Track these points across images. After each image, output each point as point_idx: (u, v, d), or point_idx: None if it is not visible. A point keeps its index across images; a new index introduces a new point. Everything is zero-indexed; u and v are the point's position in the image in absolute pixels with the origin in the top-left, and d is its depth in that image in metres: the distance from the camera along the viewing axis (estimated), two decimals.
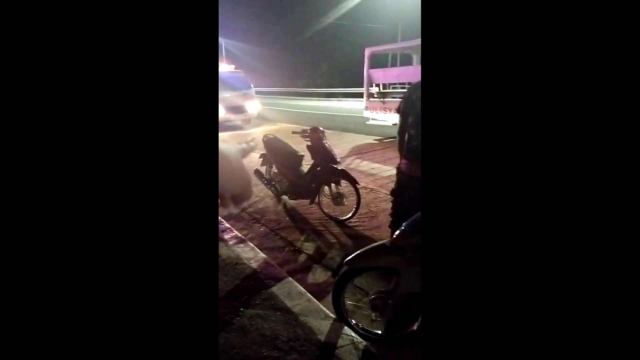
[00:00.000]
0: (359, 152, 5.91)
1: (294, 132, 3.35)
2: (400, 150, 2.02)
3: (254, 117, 9.83)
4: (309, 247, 2.67)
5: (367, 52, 7.51)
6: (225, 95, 8.77)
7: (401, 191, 2.08)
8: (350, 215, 3.04)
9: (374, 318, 1.62)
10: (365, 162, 5.16)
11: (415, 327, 1.59)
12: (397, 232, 1.46)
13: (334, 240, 2.78)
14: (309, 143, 3.14)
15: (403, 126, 1.98)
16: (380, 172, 4.59)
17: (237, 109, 9.14)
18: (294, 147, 3.46)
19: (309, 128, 3.16)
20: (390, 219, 2.20)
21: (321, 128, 3.14)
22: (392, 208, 2.16)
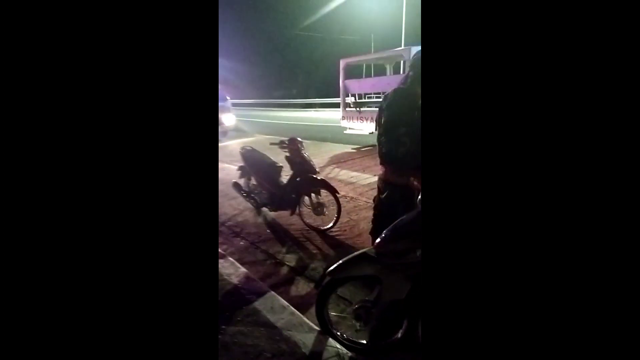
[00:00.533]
0: (338, 161, 5.95)
1: (272, 143, 3.33)
2: (380, 157, 2.05)
3: (230, 129, 9.73)
4: (290, 259, 2.64)
5: (342, 63, 7.64)
6: None
7: (381, 198, 2.10)
8: (331, 224, 3.04)
9: (358, 328, 1.61)
10: (344, 171, 5.20)
11: (399, 335, 1.60)
12: (377, 240, 1.46)
13: (316, 251, 2.76)
14: (288, 154, 3.14)
15: (380, 134, 2.01)
16: (359, 181, 4.63)
17: None
18: (273, 158, 3.45)
19: (287, 139, 3.16)
20: (371, 226, 2.21)
21: (299, 138, 3.15)
22: (374, 215, 2.18)
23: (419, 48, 3.49)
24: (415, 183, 1.82)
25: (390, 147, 1.93)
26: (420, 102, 1.75)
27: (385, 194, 2.05)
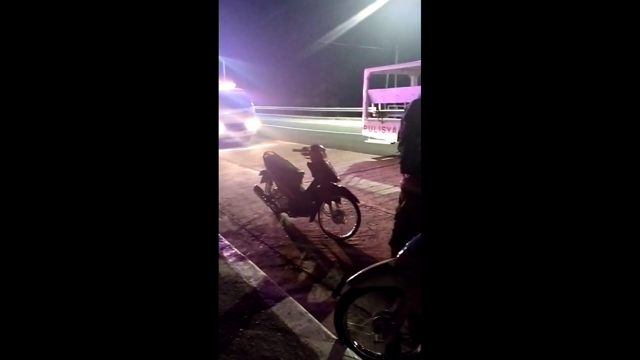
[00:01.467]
0: (358, 170, 5.94)
1: (294, 150, 3.37)
2: (402, 167, 2.05)
3: (253, 134, 9.91)
4: (308, 266, 2.64)
5: (367, 72, 7.67)
6: (225, 113, 8.87)
7: (402, 208, 2.10)
8: (350, 233, 3.03)
9: (376, 339, 1.59)
10: (364, 180, 5.18)
11: (419, 349, 1.56)
12: (400, 252, 1.45)
13: (334, 259, 2.75)
14: (310, 160, 3.16)
15: (399, 144, 2.03)
16: (379, 190, 4.60)
17: (237, 127, 9.23)
18: (294, 164, 3.48)
19: (309, 146, 3.18)
20: (392, 235, 2.21)
21: (322, 146, 3.17)
22: (394, 225, 2.17)
23: None
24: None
25: (408, 157, 1.95)
26: None
27: (403, 204, 2.05)
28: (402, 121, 2.02)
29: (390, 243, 2.23)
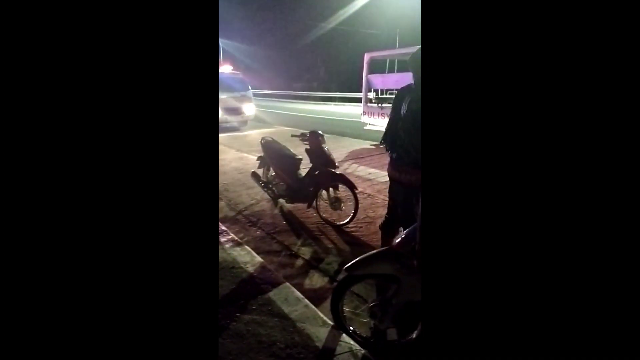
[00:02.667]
0: (356, 157, 5.91)
1: (293, 135, 3.33)
2: (382, 139, 2.15)
3: (250, 119, 9.80)
4: (305, 252, 2.64)
5: (367, 57, 7.54)
6: (222, 97, 8.75)
7: (391, 195, 2.14)
8: (347, 220, 3.03)
9: (372, 326, 1.60)
10: (362, 167, 5.16)
11: (414, 335, 1.58)
12: (397, 240, 1.45)
13: (331, 246, 2.76)
14: (308, 146, 3.13)
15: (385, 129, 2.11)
16: (377, 178, 4.59)
17: (234, 111, 9.12)
18: (292, 150, 3.45)
19: (308, 131, 3.15)
20: (383, 220, 2.25)
21: (320, 132, 3.13)
22: (387, 210, 2.21)
23: None
24: (411, 179, 1.89)
25: (389, 142, 2.01)
26: (413, 97, 1.81)
27: (392, 191, 2.11)
28: (392, 105, 2.09)
29: (380, 227, 2.27)
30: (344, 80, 22.20)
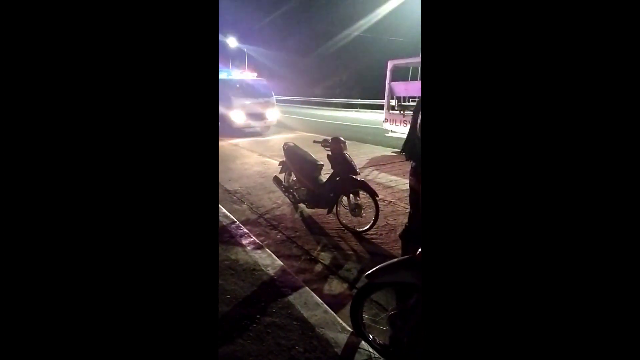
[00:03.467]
0: (377, 163, 5.88)
1: (315, 141, 3.37)
2: (402, 147, 2.22)
3: (273, 124, 9.96)
4: (325, 257, 2.65)
5: (390, 64, 7.53)
6: (246, 102, 8.95)
7: (411, 203, 2.14)
8: (368, 227, 3.02)
9: (392, 334, 1.59)
10: (383, 174, 5.13)
11: None
12: (420, 249, 1.44)
13: (351, 252, 2.75)
14: (329, 152, 3.15)
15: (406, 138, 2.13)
16: (398, 185, 4.55)
17: (258, 116, 9.29)
18: (314, 155, 3.48)
19: (330, 137, 3.17)
20: (403, 228, 2.24)
21: (342, 138, 3.15)
22: (408, 218, 2.20)
23: None
24: (419, 185, 1.89)
25: (409, 150, 2.01)
26: None
27: (409, 196, 2.11)
28: (413, 113, 2.09)
29: (400, 235, 2.25)
30: (366, 87, 22.17)
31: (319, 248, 2.81)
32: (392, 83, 7.51)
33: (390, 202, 3.88)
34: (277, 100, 11.26)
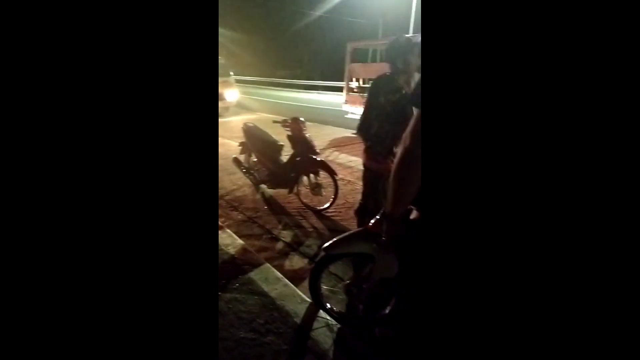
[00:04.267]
0: (338, 144, 5.97)
1: (274, 122, 3.35)
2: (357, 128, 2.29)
3: (232, 105, 9.66)
4: (286, 235, 2.71)
5: (350, 46, 7.55)
6: None
7: (364, 182, 2.25)
8: (327, 205, 3.10)
9: (348, 302, 1.69)
10: (343, 155, 5.23)
11: (387, 310, 1.68)
12: (372, 221, 1.52)
13: (311, 229, 2.83)
14: (290, 133, 3.16)
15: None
16: (357, 165, 4.67)
17: None
18: (274, 136, 3.47)
19: (290, 118, 3.18)
20: (358, 205, 2.36)
21: (302, 119, 3.16)
22: (362, 195, 2.32)
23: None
24: (380, 167, 2.00)
25: (364, 130, 2.11)
26: (391, 88, 1.89)
27: (363, 175, 2.23)
28: (368, 95, 2.18)
29: (355, 212, 2.37)
30: (327, 69, 22.07)
31: (280, 227, 2.86)
32: (352, 65, 7.56)
33: (349, 181, 3.99)
34: (237, 81, 10.90)
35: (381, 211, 1.00)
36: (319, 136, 6.29)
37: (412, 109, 0.81)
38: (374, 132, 2.08)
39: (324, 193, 3.17)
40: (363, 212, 2.29)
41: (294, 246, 2.54)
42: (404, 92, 1.87)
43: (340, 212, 3.15)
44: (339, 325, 1.64)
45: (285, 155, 3.32)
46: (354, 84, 7.67)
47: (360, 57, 8.15)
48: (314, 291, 1.69)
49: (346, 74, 7.66)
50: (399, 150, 0.84)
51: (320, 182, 3.16)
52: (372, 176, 2.15)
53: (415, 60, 1.95)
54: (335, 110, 10.01)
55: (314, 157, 3.06)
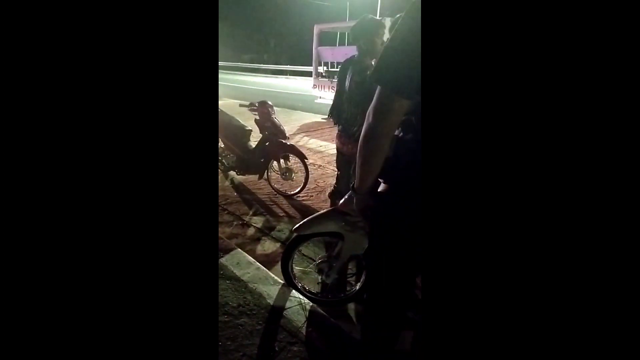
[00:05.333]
0: (307, 130, 5.96)
1: (241, 105, 3.28)
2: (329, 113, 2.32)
3: None
4: (257, 221, 2.70)
5: (316, 29, 7.45)
6: None
7: (337, 165, 2.29)
8: (298, 190, 3.11)
9: (320, 281, 1.74)
10: (313, 140, 5.24)
11: (357, 287, 1.74)
12: (341, 201, 1.56)
13: (283, 214, 2.84)
14: (257, 117, 3.11)
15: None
16: (327, 150, 4.70)
17: None
18: (242, 121, 3.40)
19: (257, 102, 3.12)
20: (332, 188, 2.41)
21: (269, 102, 3.12)
22: (335, 179, 2.36)
23: (390, 19, 3.56)
24: (352, 150, 2.07)
25: (336, 114, 2.15)
26: (356, 69, 1.94)
27: (336, 159, 2.28)
28: (338, 78, 2.20)
29: (329, 195, 2.42)
30: (295, 53, 21.71)
31: (251, 213, 2.84)
32: (320, 48, 7.49)
33: (320, 165, 4.01)
34: None
35: (350, 186, 1.03)
36: (288, 121, 6.24)
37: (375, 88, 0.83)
38: (344, 116, 2.10)
39: (294, 177, 3.18)
40: (337, 195, 2.34)
41: (265, 231, 2.54)
42: (368, 73, 1.89)
43: (311, 196, 3.18)
44: (311, 304, 1.68)
45: (254, 140, 3.27)
46: (322, 69, 7.61)
47: (328, 40, 8.08)
48: (286, 272, 1.71)
49: (314, 58, 7.58)
50: (363, 127, 0.87)
51: (290, 166, 3.16)
52: (344, 159, 2.19)
53: (380, 40, 1.96)
54: (304, 95, 9.93)
55: (284, 141, 3.05)
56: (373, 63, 2.00)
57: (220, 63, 23.14)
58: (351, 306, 1.79)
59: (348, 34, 8.60)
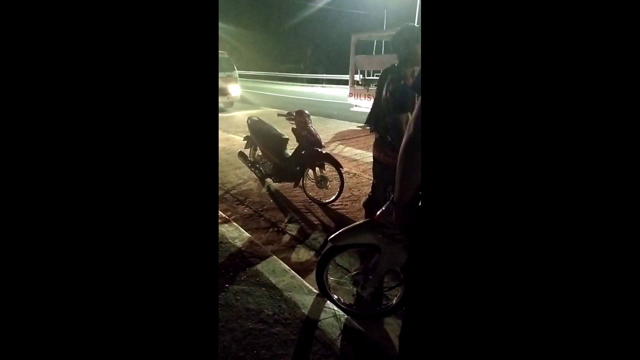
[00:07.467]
0: (343, 138, 5.95)
1: (279, 115, 3.35)
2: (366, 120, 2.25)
3: (236, 100, 9.67)
4: (292, 228, 2.72)
5: (354, 38, 7.48)
6: None
7: (374, 174, 2.24)
8: (333, 198, 3.10)
9: (355, 293, 1.70)
10: (348, 148, 5.22)
11: (394, 302, 1.68)
12: (379, 212, 1.52)
13: (317, 222, 2.83)
14: (294, 126, 3.16)
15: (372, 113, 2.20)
16: (363, 158, 4.66)
17: (220, 91, 8.97)
18: (279, 130, 3.47)
19: (294, 111, 3.17)
20: (366, 198, 2.37)
21: (306, 111, 3.16)
22: (371, 188, 2.31)
23: None
24: (388, 160, 1.99)
25: (373, 122, 2.10)
26: (394, 78, 1.87)
27: (375, 170, 2.22)
28: (377, 87, 2.15)
29: (363, 204, 2.37)
30: (331, 62, 21.93)
31: (286, 220, 2.87)
32: (356, 57, 7.50)
33: (355, 174, 3.98)
34: (241, 76, 10.88)
35: (389, 199, 1.00)
36: (323, 130, 6.28)
37: (414, 98, 0.80)
38: (382, 124, 2.07)
39: (329, 186, 3.17)
40: (371, 204, 2.30)
41: (300, 239, 2.55)
42: (402, 82, 1.85)
43: (346, 205, 3.15)
44: (346, 316, 1.65)
45: (290, 148, 3.32)
46: (358, 77, 7.61)
47: (365, 49, 8.08)
48: (321, 282, 1.70)
49: (351, 67, 7.60)
50: (404, 138, 0.84)
51: (325, 175, 3.16)
52: (381, 168, 2.15)
53: (421, 49, 1.92)
54: (339, 104, 9.97)
55: (319, 149, 3.06)
56: (415, 71, 1.96)
57: (258, 73, 23.94)
58: (387, 320, 1.73)
59: (385, 42, 8.55)
